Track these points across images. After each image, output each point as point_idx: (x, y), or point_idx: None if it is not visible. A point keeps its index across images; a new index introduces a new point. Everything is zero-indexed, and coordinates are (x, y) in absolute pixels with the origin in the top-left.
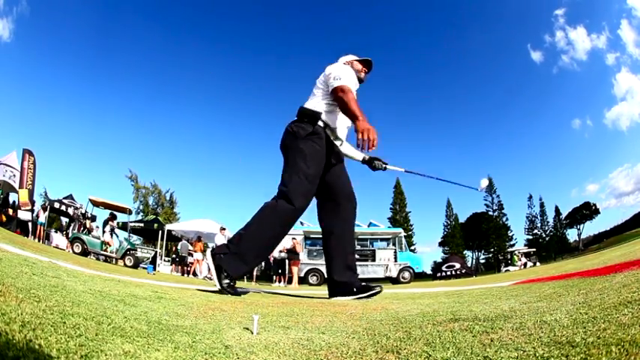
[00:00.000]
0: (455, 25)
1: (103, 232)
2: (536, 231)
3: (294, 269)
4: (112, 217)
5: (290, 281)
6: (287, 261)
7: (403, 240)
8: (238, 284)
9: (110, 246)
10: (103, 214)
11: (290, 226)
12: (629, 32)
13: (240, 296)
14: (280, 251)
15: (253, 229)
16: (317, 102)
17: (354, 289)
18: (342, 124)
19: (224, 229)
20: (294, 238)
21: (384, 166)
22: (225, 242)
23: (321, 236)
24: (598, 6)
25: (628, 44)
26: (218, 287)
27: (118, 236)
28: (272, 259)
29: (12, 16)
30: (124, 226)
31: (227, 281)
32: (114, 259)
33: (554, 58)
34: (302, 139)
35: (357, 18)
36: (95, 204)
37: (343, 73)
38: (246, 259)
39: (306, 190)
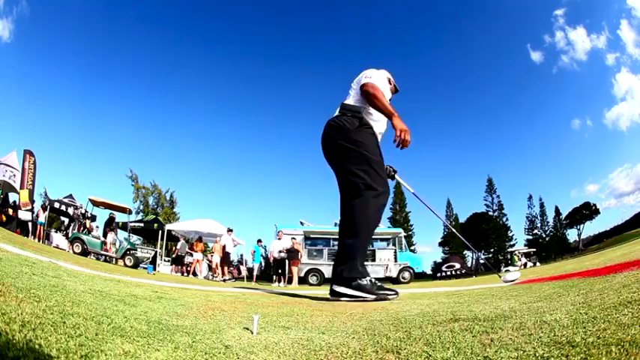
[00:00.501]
0: (454, 25)
1: (105, 232)
2: (536, 231)
3: (294, 269)
4: (113, 219)
5: (290, 281)
6: (287, 261)
7: (403, 240)
8: (238, 284)
9: (114, 246)
10: (103, 214)
11: (383, 209)
12: (629, 32)
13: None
14: (280, 251)
15: (359, 224)
16: (355, 101)
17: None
18: (377, 127)
19: (231, 230)
20: (293, 238)
21: (392, 173)
22: (337, 257)
23: (321, 236)
24: (598, 6)
25: (628, 44)
26: (373, 298)
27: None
28: (272, 259)
29: (12, 16)
30: (123, 226)
31: (368, 283)
32: (114, 259)
33: (554, 59)
34: (354, 131)
35: (356, 18)
36: (95, 204)
37: (375, 73)
38: (364, 254)
39: (381, 175)
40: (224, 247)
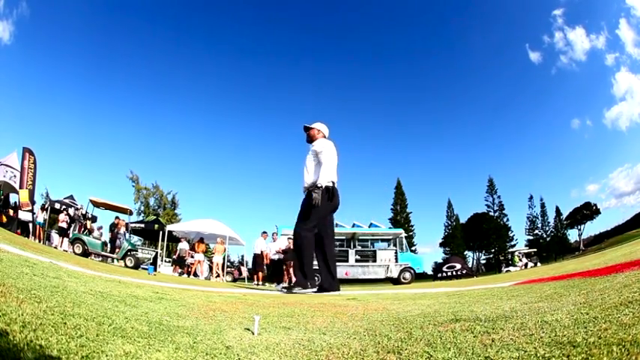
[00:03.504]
0: (453, 25)
1: (113, 235)
2: (536, 231)
3: (291, 270)
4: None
5: (290, 282)
6: (283, 262)
7: (404, 240)
8: (239, 285)
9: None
10: (103, 215)
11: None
12: (628, 32)
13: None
14: (276, 252)
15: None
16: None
17: None
18: None
19: (265, 233)
20: (289, 239)
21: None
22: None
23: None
24: (597, 6)
25: (627, 44)
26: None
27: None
28: (270, 260)
29: (12, 18)
30: (124, 227)
31: None
32: (114, 260)
33: (553, 59)
34: None
35: (354, 19)
36: (96, 204)
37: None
38: None
39: None
40: (261, 252)
